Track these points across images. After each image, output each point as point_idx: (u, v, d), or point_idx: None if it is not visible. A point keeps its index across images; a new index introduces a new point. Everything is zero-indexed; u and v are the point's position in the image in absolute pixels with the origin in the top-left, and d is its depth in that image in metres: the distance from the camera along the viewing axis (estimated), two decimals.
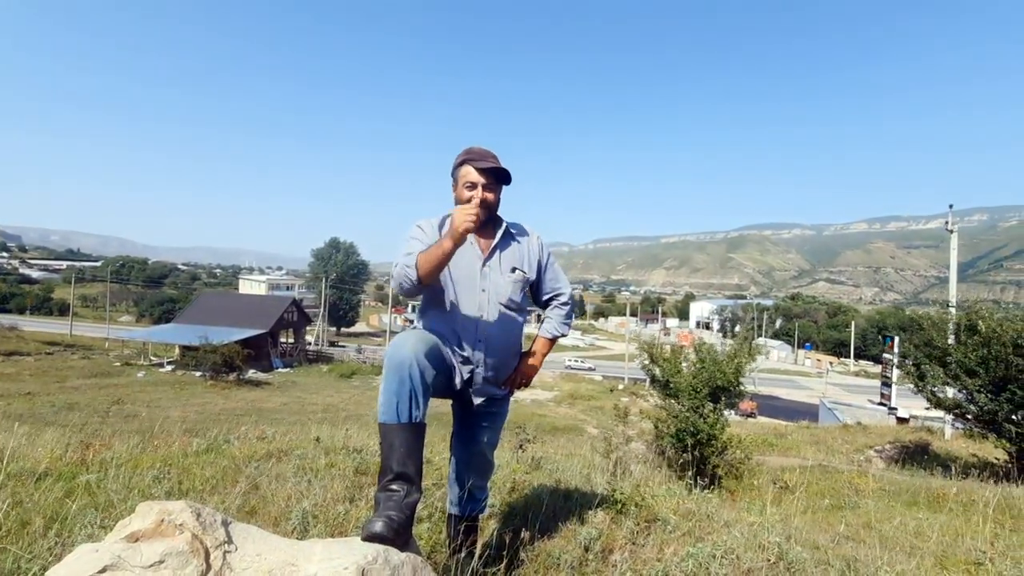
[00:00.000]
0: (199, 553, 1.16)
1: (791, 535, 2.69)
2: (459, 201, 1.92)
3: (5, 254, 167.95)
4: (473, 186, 1.88)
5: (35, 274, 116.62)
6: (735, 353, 8.76)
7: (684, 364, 9.16)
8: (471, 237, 1.93)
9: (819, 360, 68.03)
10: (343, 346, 53.35)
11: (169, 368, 29.22)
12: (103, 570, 1.10)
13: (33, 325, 42.80)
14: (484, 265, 1.94)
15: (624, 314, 76.10)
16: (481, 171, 1.87)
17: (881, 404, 20.48)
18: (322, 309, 53.91)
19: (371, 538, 1.44)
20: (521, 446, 4.64)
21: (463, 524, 2.11)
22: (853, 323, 68.97)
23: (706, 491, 3.99)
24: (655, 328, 71.07)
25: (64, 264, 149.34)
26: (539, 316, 2.25)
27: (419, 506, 1.82)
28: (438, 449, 3.99)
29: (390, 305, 63.33)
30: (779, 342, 78.46)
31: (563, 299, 2.14)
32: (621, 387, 36.28)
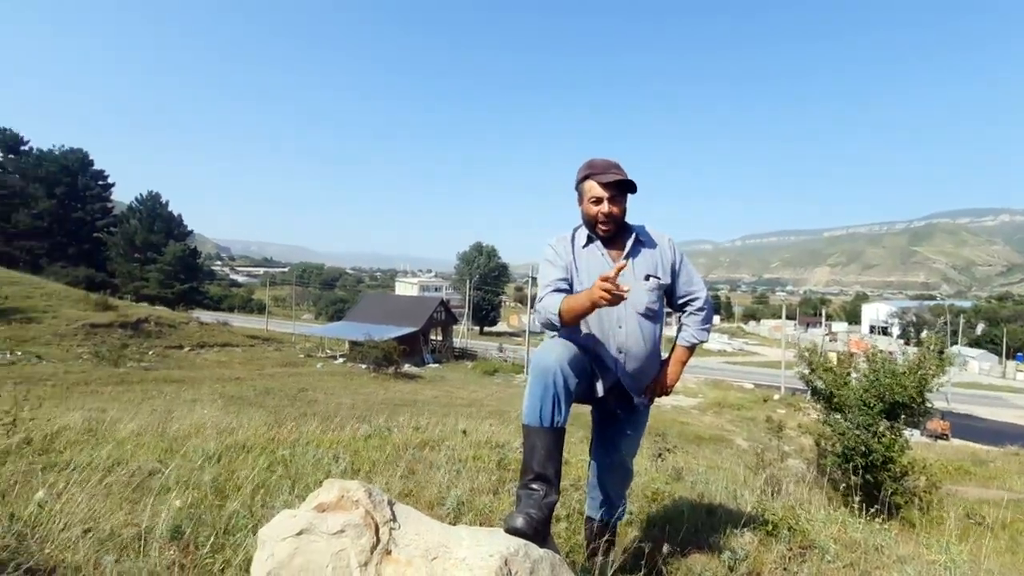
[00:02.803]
0: (371, 527, 1.35)
1: None
2: (586, 215, 1.97)
3: (219, 263, 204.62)
4: (599, 200, 1.90)
5: (240, 279, 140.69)
6: (919, 363, 7.52)
7: (853, 375, 8.09)
8: (603, 249, 1.97)
9: None
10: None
11: (341, 360, 33.21)
12: (299, 533, 1.33)
13: (239, 321, 51.43)
14: (618, 275, 1.95)
15: (779, 317, 69.16)
16: (604, 185, 1.89)
17: None
18: (467, 309, 57.26)
19: (513, 531, 1.54)
20: (660, 455, 4.50)
21: (602, 529, 2.14)
22: None
23: (878, 521, 3.51)
24: (818, 333, 63.55)
25: (261, 270, 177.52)
26: (677, 319, 2.20)
27: (556, 507, 1.89)
28: (575, 451, 4.04)
29: (529, 306, 65.00)
30: (980, 351, 64.97)
31: (699, 303, 2.07)
32: (776, 397, 33.03)
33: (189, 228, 57.41)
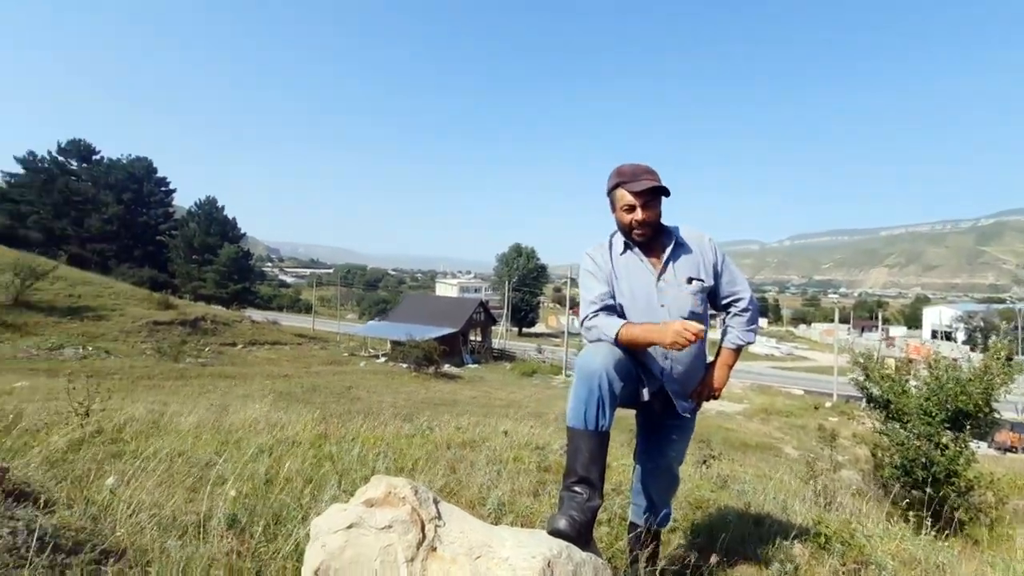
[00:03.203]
0: (417, 524, 1.38)
1: None
2: (620, 223, 1.95)
3: (269, 264, 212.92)
4: (632, 208, 1.87)
5: (289, 280, 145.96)
6: (986, 369, 7.03)
7: (912, 383, 7.65)
8: (641, 256, 1.95)
9: None
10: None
11: (383, 360, 33.96)
12: (350, 526, 1.38)
13: (288, 320, 53.36)
14: (659, 280, 1.92)
15: (831, 320, 66.16)
16: (636, 193, 1.85)
17: None
18: (506, 310, 57.50)
19: (555, 533, 1.54)
20: (705, 461, 4.40)
21: (645, 535, 2.11)
22: None
23: (940, 537, 3.32)
24: (874, 337, 60.49)
25: (308, 271, 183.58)
26: (721, 321, 2.15)
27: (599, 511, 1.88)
28: (617, 455, 4.00)
29: (567, 307, 64.71)
30: None
31: (743, 304, 2.02)
32: (828, 405, 31.63)
33: (242, 231, 60.05)
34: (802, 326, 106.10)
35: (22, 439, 2.91)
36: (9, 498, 1.80)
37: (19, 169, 50.08)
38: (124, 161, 55.23)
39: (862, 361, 8.45)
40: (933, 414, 6.79)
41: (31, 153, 50.73)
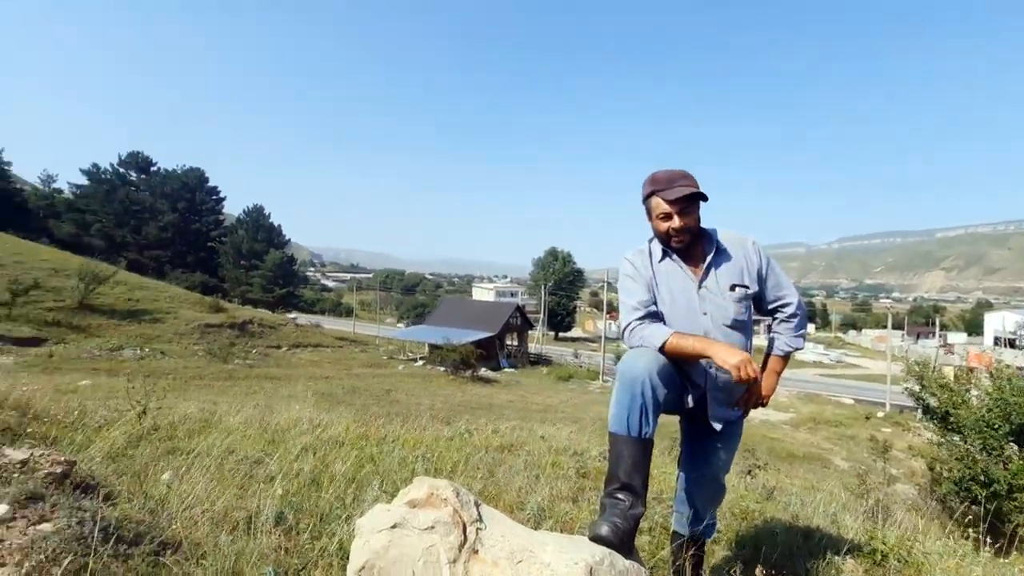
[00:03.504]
0: (459, 525, 1.39)
1: None
2: (657, 232, 1.90)
3: (312, 269, 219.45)
4: (668, 216, 1.83)
5: (331, 284, 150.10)
6: None
7: (974, 393, 7.21)
8: (681, 263, 1.90)
9: None
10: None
11: (421, 363, 34.42)
12: (394, 526, 1.40)
13: (330, 323, 54.84)
14: (700, 287, 1.88)
15: (883, 325, 63.12)
16: (671, 201, 1.81)
17: None
18: (542, 314, 57.42)
19: (597, 539, 1.52)
20: (750, 471, 4.27)
21: (689, 546, 2.06)
22: None
23: (1001, 555, 3.11)
24: (931, 344, 57.40)
25: (349, 276, 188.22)
26: (767, 327, 2.08)
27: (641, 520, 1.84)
28: (657, 463, 3.93)
29: (604, 311, 64.09)
30: None
31: (790, 309, 1.94)
32: (881, 415, 30.16)
33: (287, 237, 62.23)
34: (852, 332, 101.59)
35: (86, 435, 3.08)
36: (77, 490, 1.92)
37: (84, 180, 53.43)
38: (179, 171, 58.20)
39: (917, 370, 8.03)
40: (996, 426, 6.40)
41: (95, 165, 54.10)
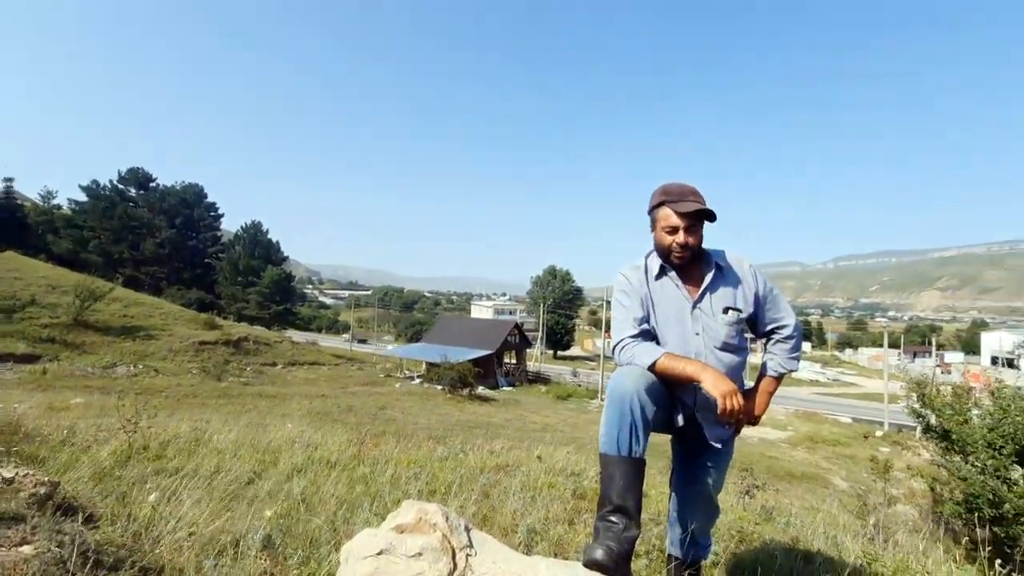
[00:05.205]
0: (448, 552, 1.35)
1: None
2: (659, 244, 1.88)
3: (309, 286, 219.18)
4: (675, 230, 1.81)
5: (328, 301, 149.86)
6: None
7: (975, 412, 7.17)
8: (678, 282, 1.89)
9: None
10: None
11: (418, 381, 34.17)
12: (380, 552, 1.36)
13: (326, 341, 54.56)
14: (694, 308, 1.86)
15: (879, 344, 63.07)
16: (681, 215, 1.79)
17: None
18: (541, 332, 57.25)
19: (592, 564, 1.48)
20: (748, 492, 4.21)
21: (684, 568, 2.02)
22: None
23: None
24: (928, 363, 57.32)
25: (346, 293, 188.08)
26: (762, 346, 2.07)
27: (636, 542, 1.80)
28: (654, 483, 3.87)
29: (603, 330, 64.01)
30: None
31: (787, 332, 1.93)
32: (879, 434, 29.97)
33: (285, 254, 62.22)
34: (848, 351, 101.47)
35: (74, 454, 3.03)
36: (58, 512, 1.87)
37: (83, 197, 53.53)
38: (178, 187, 58.37)
39: (917, 387, 8.00)
40: (1000, 447, 6.34)
41: (94, 181, 54.26)
